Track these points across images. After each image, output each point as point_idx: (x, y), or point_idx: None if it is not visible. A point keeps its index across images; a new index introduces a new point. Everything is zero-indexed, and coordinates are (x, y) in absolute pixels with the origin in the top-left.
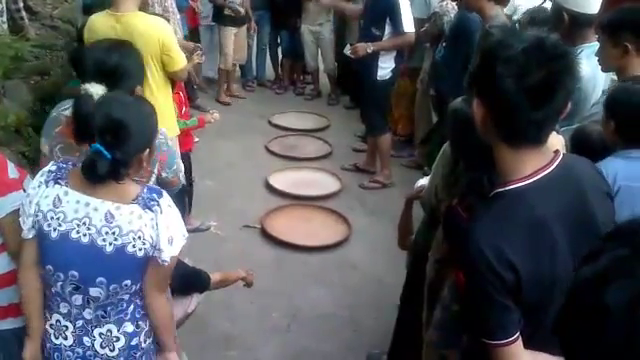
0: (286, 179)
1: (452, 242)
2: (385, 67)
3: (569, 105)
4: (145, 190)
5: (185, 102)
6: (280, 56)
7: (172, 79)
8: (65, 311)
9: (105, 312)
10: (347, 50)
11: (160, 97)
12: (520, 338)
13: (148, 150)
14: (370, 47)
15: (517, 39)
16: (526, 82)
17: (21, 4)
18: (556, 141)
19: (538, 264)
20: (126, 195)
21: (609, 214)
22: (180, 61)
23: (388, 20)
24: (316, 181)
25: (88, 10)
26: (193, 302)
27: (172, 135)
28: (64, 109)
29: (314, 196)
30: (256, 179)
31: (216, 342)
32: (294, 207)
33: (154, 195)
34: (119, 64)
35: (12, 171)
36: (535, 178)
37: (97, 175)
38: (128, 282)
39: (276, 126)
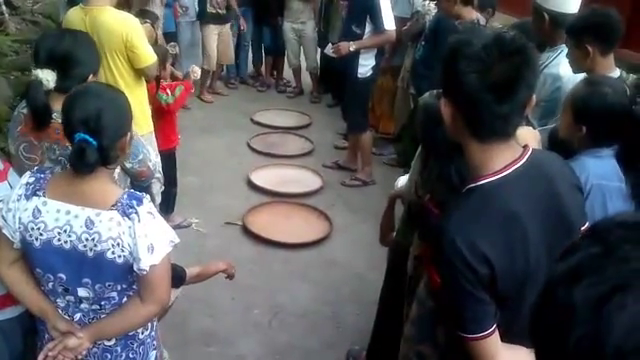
0: (268, 176)
1: (425, 238)
2: (366, 65)
3: (533, 98)
4: (125, 196)
5: (164, 88)
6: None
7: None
8: (62, 305)
9: (100, 306)
10: (329, 49)
11: (128, 93)
12: (497, 331)
13: (129, 134)
14: (352, 46)
15: (477, 37)
16: (489, 77)
17: None
18: (531, 136)
19: (512, 257)
20: (106, 199)
21: (580, 207)
22: (147, 58)
23: (369, 18)
24: (298, 178)
25: (73, 3)
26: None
27: (144, 132)
28: (23, 107)
29: (296, 193)
30: (238, 176)
31: (196, 338)
32: (276, 204)
33: (133, 202)
34: (70, 51)
35: None
36: (506, 173)
37: (87, 164)
38: (111, 283)
39: (258, 124)
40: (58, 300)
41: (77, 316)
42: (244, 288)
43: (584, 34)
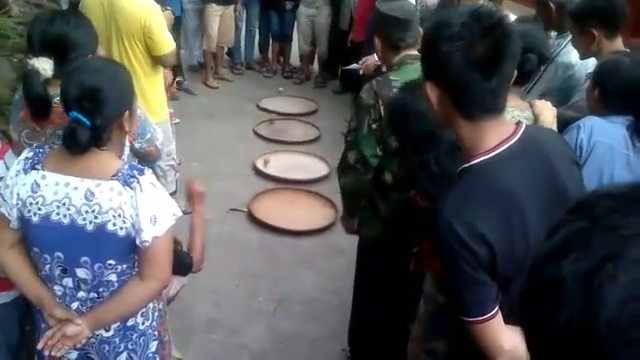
0: (274, 163)
1: (422, 232)
2: None
3: (515, 72)
4: (126, 166)
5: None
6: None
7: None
8: (60, 293)
9: (98, 293)
10: (354, 66)
11: (145, 81)
12: (499, 314)
13: (128, 112)
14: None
15: (454, 16)
16: (473, 55)
17: None
18: (549, 110)
19: (510, 235)
20: (106, 170)
21: (577, 181)
22: (164, 46)
23: None
24: (304, 165)
25: None
26: (175, 286)
27: (160, 120)
28: None
29: (302, 180)
30: (243, 162)
31: (201, 326)
32: (281, 191)
33: (134, 172)
34: (64, 35)
35: None
36: (499, 150)
37: (79, 144)
38: (112, 261)
39: (264, 110)
40: (55, 287)
41: (74, 305)
42: (248, 275)
43: (588, 19)
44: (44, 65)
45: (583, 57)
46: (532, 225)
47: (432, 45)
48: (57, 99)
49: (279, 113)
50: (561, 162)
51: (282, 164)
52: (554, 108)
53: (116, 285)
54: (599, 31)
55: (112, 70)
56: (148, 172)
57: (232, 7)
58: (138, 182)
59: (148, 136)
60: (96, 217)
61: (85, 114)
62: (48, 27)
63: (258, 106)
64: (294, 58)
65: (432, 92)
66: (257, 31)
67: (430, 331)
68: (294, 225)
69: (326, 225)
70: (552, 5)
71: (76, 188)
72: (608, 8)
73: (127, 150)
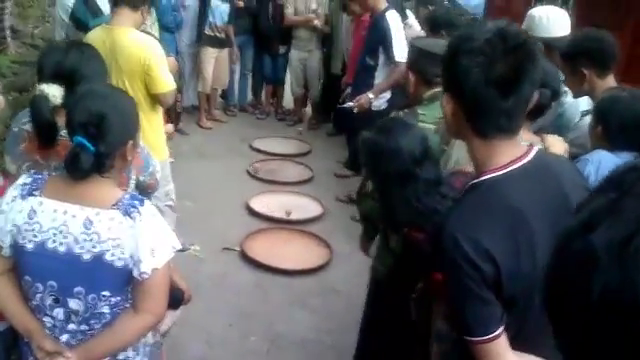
0: (267, 202)
1: (426, 268)
2: (381, 97)
3: (535, 95)
4: (127, 196)
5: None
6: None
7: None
8: (49, 325)
9: (89, 326)
10: (348, 105)
11: (144, 119)
12: (504, 336)
13: (132, 142)
14: (371, 96)
15: (479, 31)
16: (492, 72)
17: (7, 23)
18: (559, 144)
19: (517, 255)
20: (107, 199)
21: None
22: (163, 85)
23: (381, 49)
24: (297, 205)
25: (80, 24)
26: (167, 321)
27: (160, 159)
28: (24, 122)
29: (295, 220)
30: (237, 202)
31: None
32: (275, 230)
33: (135, 202)
34: (76, 66)
35: None
36: (510, 168)
37: (81, 169)
38: (107, 293)
39: (257, 150)
40: (45, 319)
41: (64, 337)
42: (241, 315)
43: (578, 58)
44: (54, 92)
45: (576, 96)
46: (540, 245)
47: (452, 57)
48: (64, 132)
49: (272, 154)
50: (573, 189)
51: (275, 204)
52: (565, 143)
53: (108, 317)
54: (590, 70)
55: (119, 98)
56: (149, 203)
57: (227, 50)
58: (139, 212)
59: (150, 169)
60: (94, 246)
61: (90, 139)
62: (62, 57)
63: (251, 147)
64: (287, 101)
65: (447, 104)
66: (250, 74)
67: None
68: (288, 264)
69: (321, 264)
70: (541, 45)
71: (74, 216)
72: (597, 48)
73: (132, 183)
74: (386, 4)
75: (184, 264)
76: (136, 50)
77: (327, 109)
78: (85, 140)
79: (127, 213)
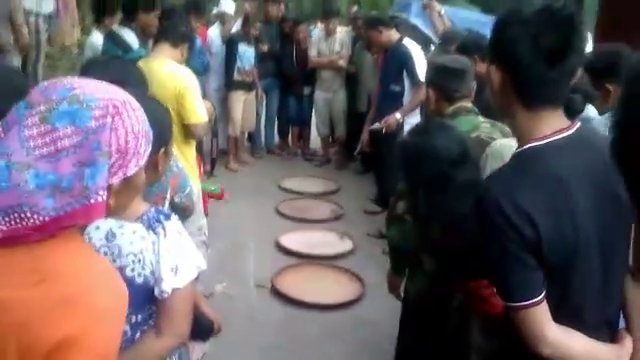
0: (297, 240)
1: (463, 274)
2: (412, 123)
3: (579, 69)
4: (152, 210)
5: (200, 164)
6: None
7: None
8: None
9: None
10: (376, 126)
11: (177, 153)
12: (545, 303)
13: (164, 150)
14: (398, 116)
15: (526, 6)
16: (540, 42)
17: (40, 77)
18: None
19: (558, 222)
20: (132, 211)
21: None
22: (196, 115)
23: (405, 73)
24: (327, 241)
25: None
26: (195, 353)
27: None
28: None
29: (326, 255)
30: (266, 240)
31: None
32: (305, 266)
33: (161, 217)
34: (118, 77)
35: None
36: (554, 138)
37: None
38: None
39: (286, 190)
40: None
41: None
42: (273, 350)
43: (602, 74)
44: None
45: (601, 113)
46: (581, 216)
47: (502, 28)
48: None
49: (301, 193)
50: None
51: (305, 241)
52: None
53: (129, 334)
54: (614, 85)
55: (152, 105)
56: (175, 219)
57: (254, 93)
58: (163, 227)
59: (187, 190)
60: (114, 260)
61: None
62: (104, 70)
63: (279, 186)
64: (314, 142)
65: (495, 75)
66: (277, 117)
67: None
68: (320, 299)
69: (353, 298)
70: None
71: (98, 227)
72: (620, 62)
73: (167, 203)
74: (398, 35)
75: (214, 302)
76: (171, 79)
77: (354, 148)
78: None
79: (151, 227)
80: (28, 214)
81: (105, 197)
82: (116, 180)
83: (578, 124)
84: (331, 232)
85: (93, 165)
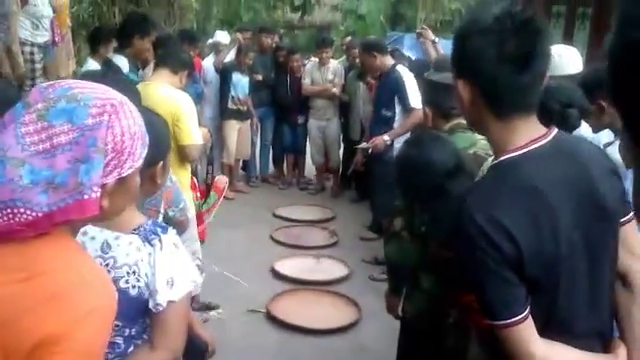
0: (292, 266)
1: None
2: (399, 142)
3: (548, 73)
4: (149, 222)
5: (194, 187)
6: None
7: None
8: None
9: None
10: (363, 145)
11: (171, 173)
12: (530, 320)
13: (162, 163)
14: (387, 138)
15: (486, 13)
16: (504, 49)
17: None
18: None
19: (538, 235)
20: (128, 223)
21: (617, 190)
22: (190, 136)
23: (397, 99)
24: (323, 267)
25: None
26: None
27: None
28: None
29: (321, 281)
30: (261, 266)
31: None
32: (301, 291)
33: (157, 229)
34: None
35: None
36: (529, 148)
37: None
38: (119, 323)
39: (281, 217)
40: None
41: None
42: None
43: (595, 91)
44: None
45: (596, 130)
46: (563, 228)
47: (462, 41)
48: None
49: (296, 220)
50: (598, 170)
51: (300, 267)
52: None
53: (122, 347)
54: (608, 101)
55: (151, 117)
56: (173, 232)
57: (249, 122)
58: (159, 240)
59: (181, 205)
60: (109, 272)
61: None
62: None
63: (274, 214)
64: (308, 170)
65: (464, 90)
66: (271, 145)
67: None
68: (315, 324)
69: (350, 323)
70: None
71: (93, 238)
72: None
73: (161, 217)
74: (392, 61)
75: (208, 327)
76: (167, 101)
77: (349, 176)
78: None
79: (147, 239)
80: (21, 209)
81: (99, 194)
82: (111, 180)
83: (555, 131)
84: (326, 258)
85: (88, 161)
